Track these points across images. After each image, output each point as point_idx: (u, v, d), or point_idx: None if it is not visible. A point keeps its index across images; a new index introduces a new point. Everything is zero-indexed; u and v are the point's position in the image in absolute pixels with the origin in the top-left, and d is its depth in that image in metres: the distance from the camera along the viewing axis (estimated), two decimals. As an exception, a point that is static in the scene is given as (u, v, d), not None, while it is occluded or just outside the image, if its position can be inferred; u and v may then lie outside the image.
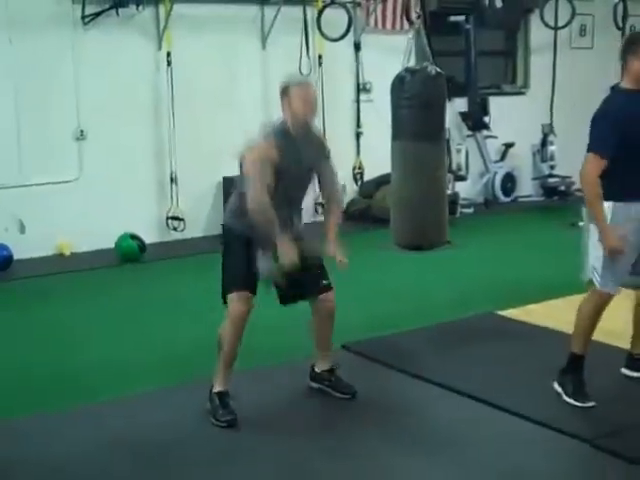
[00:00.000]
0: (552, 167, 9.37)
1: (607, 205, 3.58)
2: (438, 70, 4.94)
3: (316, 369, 3.98)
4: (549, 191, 9.27)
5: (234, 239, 3.75)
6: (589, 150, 3.57)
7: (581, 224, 3.95)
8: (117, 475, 3.25)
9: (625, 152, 3.51)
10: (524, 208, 9.12)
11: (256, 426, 3.63)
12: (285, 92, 3.67)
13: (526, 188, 9.58)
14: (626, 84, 3.62)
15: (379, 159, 8.28)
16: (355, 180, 8.53)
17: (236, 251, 3.71)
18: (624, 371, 4.01)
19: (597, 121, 3.57)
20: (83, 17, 6.97)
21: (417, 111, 5.02)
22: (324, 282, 3.82)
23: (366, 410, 3.80)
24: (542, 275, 6.06)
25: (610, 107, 3.59)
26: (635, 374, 3.98)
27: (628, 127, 3.49)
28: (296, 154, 3.68)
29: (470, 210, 8.62)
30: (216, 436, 3.54)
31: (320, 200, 8.14)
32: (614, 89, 3.71)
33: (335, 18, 7.83)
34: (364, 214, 8.11)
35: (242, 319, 3.65)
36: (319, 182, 3.93)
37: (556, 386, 3.79)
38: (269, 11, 7.72)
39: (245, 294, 3.64)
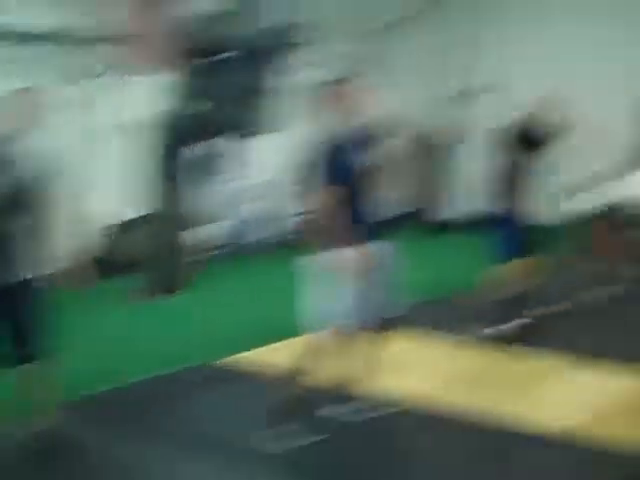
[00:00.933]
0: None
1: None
2: (196, 110, 5.04)
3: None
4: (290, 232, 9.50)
5: None
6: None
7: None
8: None
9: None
10: (266, 250, 9.22)
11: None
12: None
13: (266, 230, 9.70)
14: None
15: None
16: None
17: None
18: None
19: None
20: None
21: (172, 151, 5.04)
22: (29, 350, 3.75)
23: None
24: (269, 317, 6.23)
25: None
26: None
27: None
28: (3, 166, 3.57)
29: (211, 254, 8.66)
30: None
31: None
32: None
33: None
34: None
35: None
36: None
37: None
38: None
39: None
